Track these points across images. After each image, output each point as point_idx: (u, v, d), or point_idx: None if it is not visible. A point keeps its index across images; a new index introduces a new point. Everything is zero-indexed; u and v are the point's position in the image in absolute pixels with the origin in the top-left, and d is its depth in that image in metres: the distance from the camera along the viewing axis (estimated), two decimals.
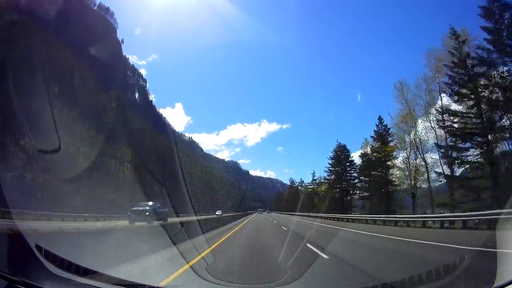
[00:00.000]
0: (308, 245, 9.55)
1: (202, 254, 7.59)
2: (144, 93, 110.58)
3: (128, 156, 34.52)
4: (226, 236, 14.03)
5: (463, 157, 22.72)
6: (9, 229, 3.95)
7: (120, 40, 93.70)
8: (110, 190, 27.11)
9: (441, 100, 27.31)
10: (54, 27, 38.31)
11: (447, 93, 25.10)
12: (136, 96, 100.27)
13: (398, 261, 7.22)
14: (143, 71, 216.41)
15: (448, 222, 16.36)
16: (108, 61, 72.23)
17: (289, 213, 66.48)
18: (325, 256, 7.45)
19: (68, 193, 22.39)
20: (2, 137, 18.25)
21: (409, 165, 31.86)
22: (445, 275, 3.74)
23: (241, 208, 69.57)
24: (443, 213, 20.81)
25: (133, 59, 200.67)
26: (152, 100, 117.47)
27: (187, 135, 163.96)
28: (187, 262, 6.30)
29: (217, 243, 10.89)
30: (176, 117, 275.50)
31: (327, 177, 52.01)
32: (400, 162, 33.40)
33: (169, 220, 18.10)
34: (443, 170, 26.56)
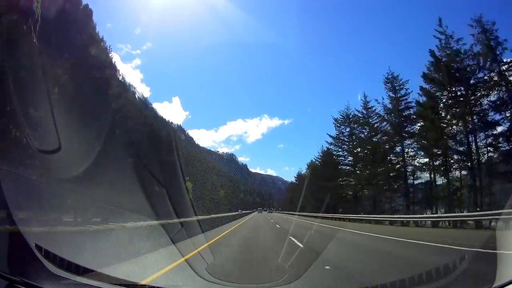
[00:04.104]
0: None
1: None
2: (142, 90, 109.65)
3: (127, 155, 34.39)
4: None
5: None
6: (9, 229, 3.95)
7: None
8: (110, 190, 27.04)
9: None
10: (54, 26, 38.42)
11: None
12: (136, 95, 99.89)
13: (392, 262, 7.18)
14: (138, 61, 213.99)
15: (447, 222, 16.41)
16: (106, 60, 72.12)
17: (301, 214, 46.72)
18: None
19: (67, 193, 22.33)
20: (2, 137, 18.23)
21: None
22: (445, 275, 3.73)
23: (234, 205, 63.83)
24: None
25: (126, 48, 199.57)
26: (149, 95, 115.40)
27: (174, 122, 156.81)
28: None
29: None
30: (173, 111, 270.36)
31: None
32: None
33: (170, 220, 18.24)
34: None
